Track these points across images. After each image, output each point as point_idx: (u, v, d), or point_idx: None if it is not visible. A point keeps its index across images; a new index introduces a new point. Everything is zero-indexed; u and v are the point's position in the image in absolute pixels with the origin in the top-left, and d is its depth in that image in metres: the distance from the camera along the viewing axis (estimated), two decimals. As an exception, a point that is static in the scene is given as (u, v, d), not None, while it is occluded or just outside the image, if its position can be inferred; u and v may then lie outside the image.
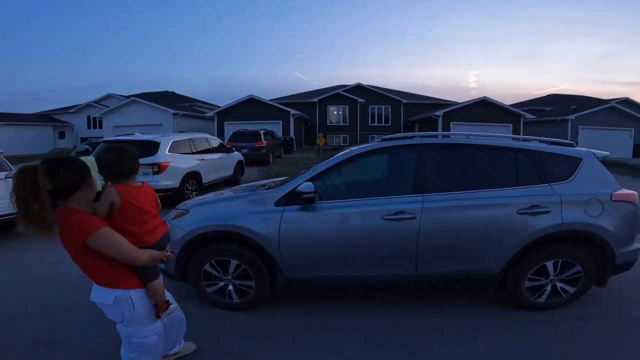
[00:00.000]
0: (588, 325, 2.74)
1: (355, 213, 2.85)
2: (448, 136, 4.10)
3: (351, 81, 28.66)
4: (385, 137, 3.18)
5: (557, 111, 24.56)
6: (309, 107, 26.91)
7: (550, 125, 22.33)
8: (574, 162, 2.92)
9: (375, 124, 27.49)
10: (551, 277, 2.85)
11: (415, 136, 3.27)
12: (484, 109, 20.49)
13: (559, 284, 2.87)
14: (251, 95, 21.82)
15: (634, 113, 21.89)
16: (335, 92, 27.50)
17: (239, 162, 9.92)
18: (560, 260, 2.80)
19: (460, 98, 21.67)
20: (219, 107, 23.48)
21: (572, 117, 20.68)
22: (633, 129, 21.20)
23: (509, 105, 22.19)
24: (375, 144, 3.14)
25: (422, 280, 2.90)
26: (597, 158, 2.98)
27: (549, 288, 2.87)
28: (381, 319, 2.86)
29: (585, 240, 2.82)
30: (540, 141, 3.26)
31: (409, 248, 2.77)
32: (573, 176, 2.87)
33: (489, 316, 2.89)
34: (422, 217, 2.74)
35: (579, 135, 20.64)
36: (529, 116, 20.59)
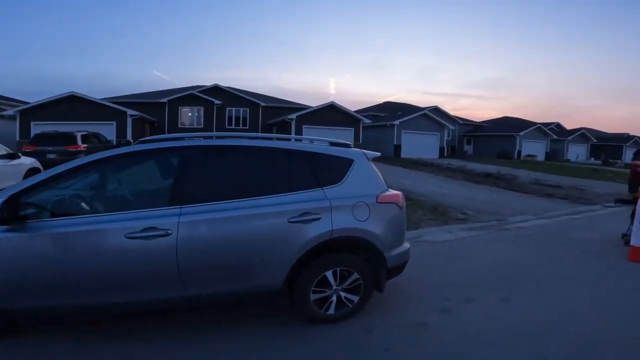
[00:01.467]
0: (367, 338, 2.66)
1: (84, 232, 2.27)
2: (225, 137, 3.75)
3: (218, 82, 27.27)
4: (145, 138, 2.69)
5: (388, 117, 28.89)
6: (158, 107, 24.27)
7: (382, 129, 26.09)
8: (345, 164, 2.82)
9: (233, 126, 26.78)
10: (334, 288, 2.73)
11: (184, 137, 2.85)
12: (332, 114, 22.36)
13: (342, 294, 2.78)
14: (72, 92, 18.10)
15: (441, 120, 27.66)
16: (189, 92, 25.59)
17: (31, 170, 7.81)
18: (338, 269, 2.70)
19: (321, 102, 23.01)
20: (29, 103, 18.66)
21: (397, 122, 24.64)
22: (439, 134, 26.74)
23: (354, 110, 24.91)
24: (127, 147, 2.61)
25: (195, 301, 2.51)
26: (368, 159, 2.95)
27: (334, 299, 2.76)
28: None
29: (358, 246, 2.77)
30: (315, 142, 3.18)
31: (169, 269, 2.35)
32: (344, 179, 2.77)
33: (276, 333, 2.70)
34: (179, 232, 2.34)
35: (402, 138, 24.76)
36: (367, 121, 23.52)
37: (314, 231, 2.57)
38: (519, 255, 4.79)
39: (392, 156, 23.91)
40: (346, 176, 2.79)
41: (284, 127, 22.99)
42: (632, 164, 8.76)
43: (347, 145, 3.07)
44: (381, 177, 2.97)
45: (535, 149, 33.27)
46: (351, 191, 2.75)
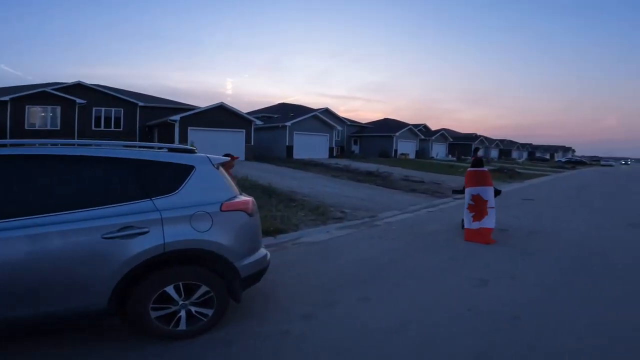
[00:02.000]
0: (227, 351, 2.57)
1: None
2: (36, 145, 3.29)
3: (82, 79, 23.15)
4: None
5: (281, 118, 29.28)
6: (-4, 105, 19.48)
7: (275, 130, 26.31)
8: (184, 171, 2.64)
9: (103, 128, 23.34)
10: (181, 303, 2.60)
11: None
12: (221, 115, 21.43)
13: (193, 308, 2.65)
14: None
15: (330, 121, 29.28)
16: (41, 90, 21.17)
17: None
18: (181, 283, 2.57)
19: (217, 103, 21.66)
20: None
21: (289, 123, 25.16)
22: (329, 134, 28.31)
23: (249, 112, 24.39)
24: None
25: (9, 325, 2.21)
26: (213, 164, 2.81)
27: (183, 314, 2.62)
28: None
29: (202, 258, 2.67)
30: (152, 147, 2.96)
31: None
32: (181, 187, 2.60)
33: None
34: None
35: (294, 139, 25.41)
36: (258, 122, 23.35)
37: (140, 246, 2.39)
38: (383, 251, 5.34)
39: (284, 157, 24.32)
40: (184, 184, 2.63)
41: (167, 130, 21.10)
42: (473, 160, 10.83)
43: (189, 151, 2.90)
44: (229, 183, 2.88)
45: (408, 148, 38.14)
46: (190, 200, 2.59)
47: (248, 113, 36.09)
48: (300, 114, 27.94)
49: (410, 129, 39.46)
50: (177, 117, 20.08)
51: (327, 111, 35.49)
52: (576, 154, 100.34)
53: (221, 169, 2.96)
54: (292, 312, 3.25)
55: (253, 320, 3.03)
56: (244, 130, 22.10)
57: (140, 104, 24.52)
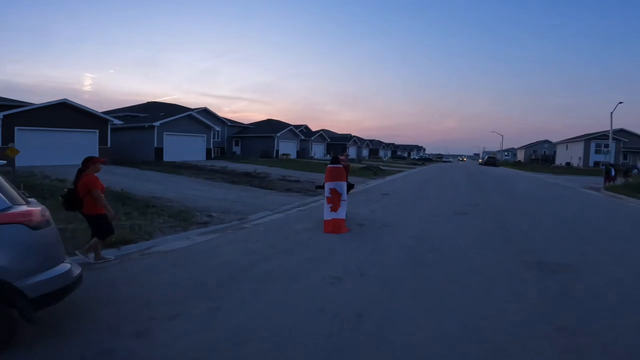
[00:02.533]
0: None
1: None
2: None
3: None
4: None
5: (149, 118, 26.25)
6: None
7: (140, 131, 23.43)
8: None
9: None
10: None
11: None
12: (65, 113, 17.79)
13: None
14: None
15: (207, 121, 27.64)
16: None
17: None
18: None
19: (78, 101, 17.45)
20: None
21: (158, 123, 22.73)
22: (205, 135, 26.73)
23: (109, 110, 20.85)
24: None
25: None
26: None
27: None
28: None
29: None
30: None
31: None
32: None
33: None
34: None
35: (165, 140, 23.13)
36: (116, 122, 20.35)
37: None
38: (244, 255, 5.16)
39: (152, 160, 21.86)
40: None
41: (-16, 127, 16.41)
42: (340, 160, 11.69)
43: None
44: (7, 190, 2.51)
45: (289, 148, 39.18)
46: None
47: (110, 111, 31.31)
48: (173, 114, 25.56)
49: (291, 129, 40.58)
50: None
51: (205, 111, 33.56)
52: (427, 152, 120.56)
53: None
54: (122, 330, 2.86)
55: (65, 341, 2.63)
56: (97, 131, 18.90)
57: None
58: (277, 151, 36.87)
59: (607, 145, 42.27)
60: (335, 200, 6.75)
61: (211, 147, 27.36)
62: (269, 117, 54.06)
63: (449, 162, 77.48)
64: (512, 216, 8.97)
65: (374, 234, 6.67)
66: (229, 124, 37.81)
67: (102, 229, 4.49)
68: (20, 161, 16.12)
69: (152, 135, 22.64)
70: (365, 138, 74.35)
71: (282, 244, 5.82)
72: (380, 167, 29.08)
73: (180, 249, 5.39)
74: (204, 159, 25.75)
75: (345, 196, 6.88)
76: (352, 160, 43.79)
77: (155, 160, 21.81)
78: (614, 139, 38.68)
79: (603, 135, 42.65)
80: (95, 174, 4.54)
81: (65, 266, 2.68)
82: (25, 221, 2.48)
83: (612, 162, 33.17)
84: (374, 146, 77.50)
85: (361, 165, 28.86)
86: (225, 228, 6.89)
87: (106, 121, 19.44)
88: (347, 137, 63.68)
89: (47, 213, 2.70)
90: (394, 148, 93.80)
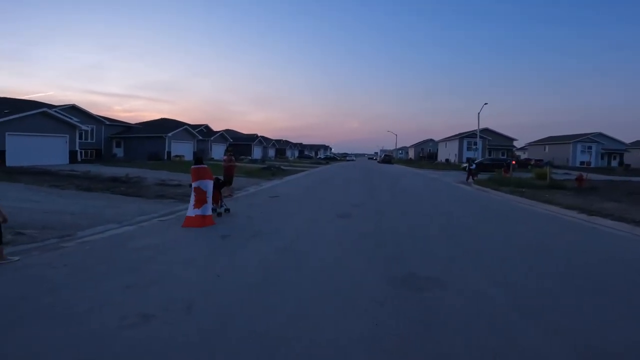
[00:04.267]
0: None
1: None
2: None
3: None
4: None
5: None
6: None
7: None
8: None
9: None
10: None
11: None
12: None
13: None
14: None
15: (71, 120, 22.98)
16: None
17: None
18: None
19: None
20: None
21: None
22: (68, 135, 22.16)
23: None
24: None
25: None
26: None
27: None
28: None
29: None
30: None
31: None
32: None
33: None
34: None
35: (7, 141, 18.35)
36: None
37: None
38: (27, 287, 3.64)
39: (-13, 165, 17.03)
40: None
41: None
42: (223, 160, 10.42)
43: None
44: None
45: (184, 149, 35.71)
46: None
47: None
48: (21, 111, 20.47)
49: (186, 129, 37.12)
50: None
51: (73, 108, 28.21)
52: (333, 151, 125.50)
53: None
54: None
55: None
56: None
57: None
58: (169, 153, 33.23)
59: (475, 143, 49.48)
60: (199, 197, 7.15)
61: (77, 149, 22.83)
62: (167, 117, 48.97)
63: (353, 160, 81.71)
64: (393, 217, 8.90)
65: (235, 247, 5.63)
66: (108, 123, 32.61)
67: None
68: None
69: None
70: (273, 138, 73.46)
71: (96, 269, 4.36)
72: (282, 167, 28.38)
73: None
74: (67, 162, 21.31)
75: (210, 193, 7.34)
76: (255, 160, 42.40)
77: (-8, 165, 17.04)
78: (481, 137, 45.34)
79: (473, 134, 49.63)
80: None
81: None
82: None
83: (480, 157, 38.71)
84: (281, 146, 77.10)
85: (262, 166, 27.70)
86: (32, 249, 5.06)
87: None
88: (253, 137, 61.78)
89: None
90: (301, 148, 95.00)
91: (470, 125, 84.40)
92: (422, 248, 5.90)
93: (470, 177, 20.45)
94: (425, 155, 74.58)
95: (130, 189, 11.98)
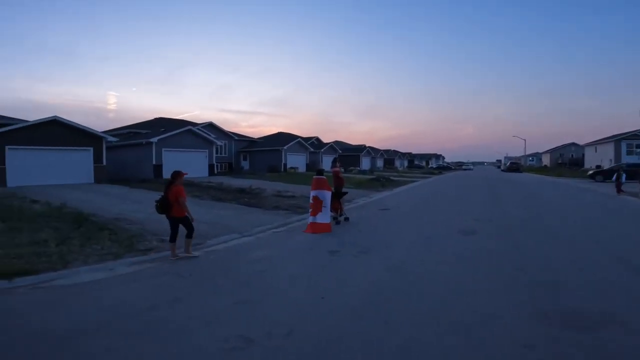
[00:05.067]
0: None
1: None
2: None
3: None
4: None
5: (150, 134, 25.93)
6: None
7: (140, 148, 23.01)
8: None
9: None
10: None
11: None
12: (56, 131, 17.47)
13: None
14: None
15: (209, 136, 27.06)
16: None
17: None
18: None
19: (103, 120, 17.27)
20: None
21: (155, 139, 22.21)
22: (207, 150, 26.06)
23: (117, 128, 20.50)
24: None
25: None
26: None
27: None
28: None
29: None
30: None
31: None
32: None
33: None
34: None
35: (164, 157, 22.53)
36: (111, 139, 19.93)
37: None
38: (154, 294, 4.09)
39: (152, 178, 21.27)
40: None
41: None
42: (332, 171, 10.48)
43: None
44: None
45: (298, 161, 38.18)
46: None
47: (116, 129, 31.41)
48: (173, 129, 25.11)
49: (299, 141, 39.66)
50: (-12, 134, 15.56)
51: (210, 125, 33.23)
52: (446, 160, 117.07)
53: None
54: None
55: None
56: (92, 148, 18.49)
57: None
58: (285, 165, 35.95)
59: (638, 146, 39.17)
60: (316, 205, 7.78)
61: (214, 162, 26.68)
62: (283, 131, 53.70)
63: (470, 169, 74.42)
64: (530, 234, 7.38)
65: (343, 264, 5.36)
66: (236, 138, 37.33)
67: (189, 228, 5.75)
68: (14, 181, 15.84)
69: (151, 151, 22.14)
70: (381, 148, 72.79)
71: (215, 281, 4.65)
72: (391, 177, 27.53)
73: (84, 284, 4.47)
74: (207, 175, 25.04)
75: (327, 203, 7.92)
76: (364, 171, 42.46)
77: (155, 178, 21.22)
78: (647, 138, 35.65)
79: (634, 135, 39.53)
80: None
81: None
82: None
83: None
84: (389, 156, 75.70)
85: (370, 177, 27.43)
86: (164, 257, 5.79)
87: (101, 138, 19.04)
88: (361, 148, 62.33)
89: None
90: (410, 157, 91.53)
91: (623, 125, 67.37)
92: (585, 276, 4.56)
93: (619, 187, 16.16)
94: (565, 161, 62.77)
95: (252, 200, 13.13)
